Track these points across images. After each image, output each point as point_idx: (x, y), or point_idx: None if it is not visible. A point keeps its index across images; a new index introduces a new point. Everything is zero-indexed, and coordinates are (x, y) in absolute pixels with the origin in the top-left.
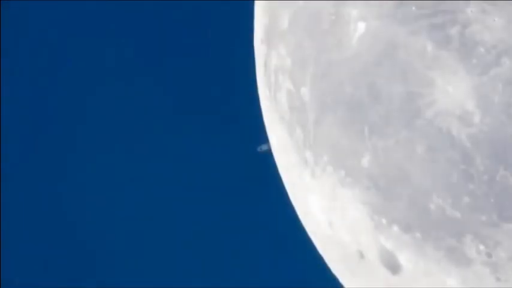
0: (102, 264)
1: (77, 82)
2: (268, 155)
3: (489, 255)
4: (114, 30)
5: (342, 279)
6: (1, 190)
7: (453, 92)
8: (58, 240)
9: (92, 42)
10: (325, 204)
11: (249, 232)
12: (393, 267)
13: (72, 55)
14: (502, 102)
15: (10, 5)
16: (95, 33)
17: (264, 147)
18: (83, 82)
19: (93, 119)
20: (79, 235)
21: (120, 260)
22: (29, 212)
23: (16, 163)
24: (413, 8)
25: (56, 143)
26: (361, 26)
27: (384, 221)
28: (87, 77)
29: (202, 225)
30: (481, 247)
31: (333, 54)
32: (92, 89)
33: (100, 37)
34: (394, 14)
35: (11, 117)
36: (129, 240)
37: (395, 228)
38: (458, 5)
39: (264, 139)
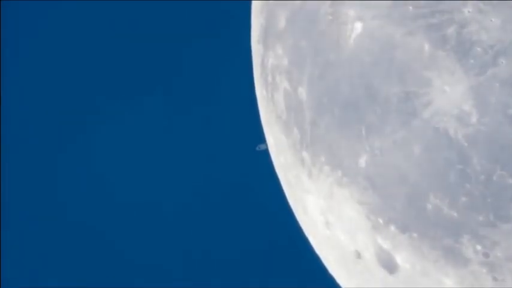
0: (101, 264)
1: (77, 82)
2: (266, 155)
3: (486, 255)
4: (113, 29)
5: (339, 280)
6: (1, 190)
7: (450, 92)
8: (57, 240)
9: (92, 42)
10: (322, 204)
11: (247, 232)
12: (390, 267)
13: (72, 55)
14: (499, 102)
15: (10, 5)
16: (95, 33)
17: (262, 147)
18: (83, 82)
19: (92, 119)
20: (79, 235)
21: (120, 260)
22: (28, 212)
23: (16, 163)
24: (410, 8)
25: (55, 143)
26: (358, 26)
27: (380, 221)
28: (86, 76)
29: (200, 225)
30: (478, 247)
31: (330, 54)
32: (90, 89)
33: (99, 37)
34: (391, 14)
35: (11, 117)
36: (128, 240)
37: (392, 228)
38: (455, 5)
39: (262, 139)
